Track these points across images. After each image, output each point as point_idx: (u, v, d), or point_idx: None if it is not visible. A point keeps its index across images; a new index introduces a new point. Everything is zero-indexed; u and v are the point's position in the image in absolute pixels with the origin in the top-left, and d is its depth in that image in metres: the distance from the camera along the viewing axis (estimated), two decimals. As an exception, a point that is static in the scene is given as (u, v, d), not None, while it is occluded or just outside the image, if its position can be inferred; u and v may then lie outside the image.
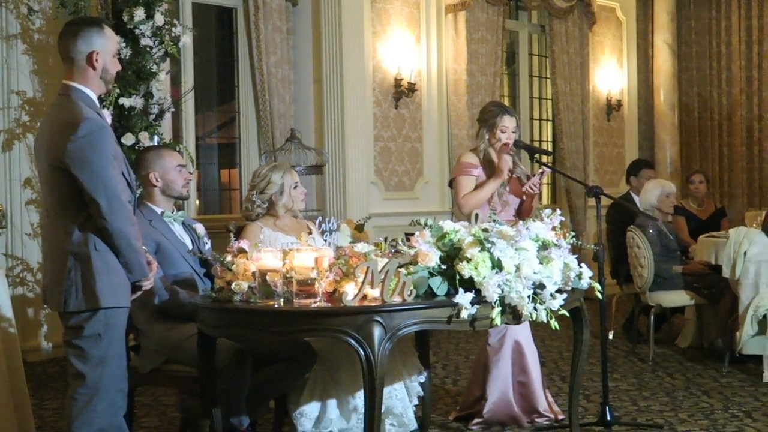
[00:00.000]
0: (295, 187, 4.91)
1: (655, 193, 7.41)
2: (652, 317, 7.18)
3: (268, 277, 3.73)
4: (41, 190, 3.86)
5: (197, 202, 8.76)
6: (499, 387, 5.31)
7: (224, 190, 9.50)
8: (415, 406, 4.64)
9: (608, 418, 5.12)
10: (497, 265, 3.76)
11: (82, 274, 3.61)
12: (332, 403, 4.34)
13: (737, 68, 12.33)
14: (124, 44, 6.59)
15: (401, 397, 4.48)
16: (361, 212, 7.91)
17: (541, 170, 5.35)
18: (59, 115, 3.70)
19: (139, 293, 3.83)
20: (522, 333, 5.36)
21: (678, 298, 7.22)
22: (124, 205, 3.62)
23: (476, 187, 5.36)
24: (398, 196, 9.34)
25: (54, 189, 3.68)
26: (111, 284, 3.63)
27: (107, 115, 3.90)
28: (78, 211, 3.62)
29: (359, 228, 5.04)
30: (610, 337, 7.85)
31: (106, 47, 3.75)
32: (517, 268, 3.78)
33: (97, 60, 3.72)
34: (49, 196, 3.73)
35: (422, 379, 4.69)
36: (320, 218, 5.09)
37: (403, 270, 3.70)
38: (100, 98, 3.90)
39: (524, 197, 5.40)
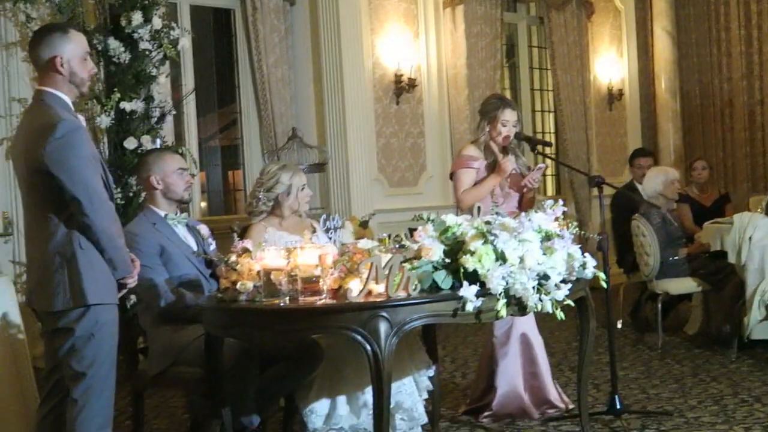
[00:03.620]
0: (302, 189, 4.92)
1: (659, 179, 7.39)
2: (659, 305, 7.17)
3: (272, 276, 3.73)
4: (21, 194, 3.87)
5: (202, 203, 8.78)
6: (508, 379, 5.31)
7: (228, 192, 9.52)
8: (425, 400, 4.63)
9: (618, 406, 5.11)
10: (501, 257, 3.76)
11: (68, 273, 3.63)
12: (341, 400, 4.34)
13: (737, 53, 12.28)
14: (122, 48, 6.60)
15: (410, 392, 4.48)
16: (365, 209, 7.90)
17: (538, 166, 5.34)
18: (35, 119, 3.72)
19: (124, 291, 3.85)
20: (528, 324, 5.36)
21: (684, 285, 7.21)
22: (105, 202, 3.65)
23: (476, 183, 5.35)
24: (402, 192, 9.33)
25: (35, 191, 3.71)
26: (96, 281, 3.65)
27: (81, 119, 3.90)
28: (60, 211, 3.65)
29: (363, 224, 5.05)
30: (618, 326, 7.84)
31: (70, 51, 3.74)
32: (521, 259, 3.77)
33: (62, 65, 3.72)
34: (30, 199, 3.76)
35: (431, 373, 4.68)
36: (324, 216, 5.08)
37: (407, 265, 3.70)
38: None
39: (524, 191, 5.40)
